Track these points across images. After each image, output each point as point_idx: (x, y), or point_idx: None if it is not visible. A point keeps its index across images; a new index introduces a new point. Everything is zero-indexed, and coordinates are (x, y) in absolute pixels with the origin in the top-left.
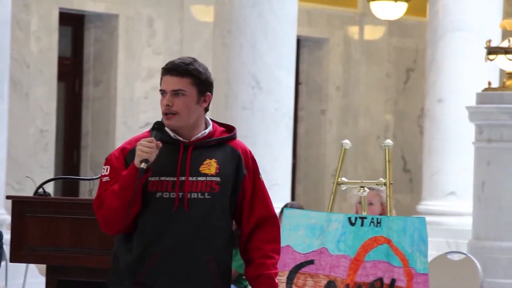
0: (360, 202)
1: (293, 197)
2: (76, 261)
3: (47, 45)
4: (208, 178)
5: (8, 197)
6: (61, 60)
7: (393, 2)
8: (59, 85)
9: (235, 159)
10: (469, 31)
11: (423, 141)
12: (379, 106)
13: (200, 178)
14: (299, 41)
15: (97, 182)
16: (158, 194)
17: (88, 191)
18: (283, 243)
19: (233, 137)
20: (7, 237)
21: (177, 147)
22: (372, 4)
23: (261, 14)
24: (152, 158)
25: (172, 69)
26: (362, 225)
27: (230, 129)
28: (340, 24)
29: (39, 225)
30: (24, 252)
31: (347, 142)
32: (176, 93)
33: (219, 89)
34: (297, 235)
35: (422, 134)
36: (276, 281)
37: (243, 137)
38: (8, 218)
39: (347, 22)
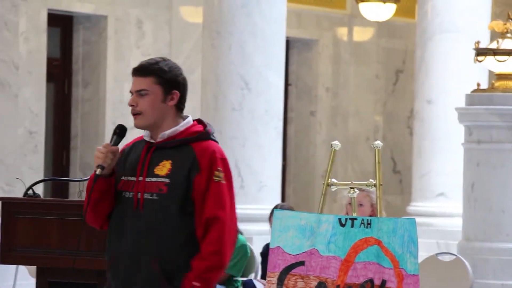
0: (350, 203)
1: (283, 199)
2: (65, 263)
3: (35, 46)
4: (159, 179)
5: None
6: (50, 61)
7: (382, 3)
8: (48, 86)
9: (189, 161)
10: (458, 33)
11: (412, 142)
12: (369, 107)
13: (152, 179)
14: (288, 42)
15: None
16: (123, 194)
17: (77, 192)
18: (273, 245)
19: (199, 138)
20: None
21: (144, 147)
22: (361, 5)
23: (249, 15)
24: (106, 163)
25: (136, 70)
26: (352, 226)
27: (204, 131)
28: (329, 25)
29: (29, 227)
30: (14, 254)
31: (336, 143)
32: (139, 93)
33: (208, 90)
34: (287, 236)
35: (412, 135)
36: (196, 284)
37: (232, 138)
38: None
39: (336, 23)
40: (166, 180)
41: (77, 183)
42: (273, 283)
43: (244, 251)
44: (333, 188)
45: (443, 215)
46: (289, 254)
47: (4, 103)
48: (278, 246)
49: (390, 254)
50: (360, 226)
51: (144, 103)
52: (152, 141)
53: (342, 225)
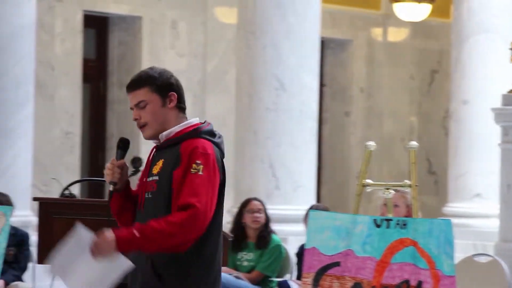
0: (385, 204)
1: (318, 199)
2: None
3: (71, 47)
4: (153, 178)
5: (34, 199)
6: (86, 62)
7: (417, 3)
8: (84, 87)
9: (174, 157)
10: (494, 33)
11: (448, 143)
12: (404, 108)
13: (149, 179)
14: (322, 43)
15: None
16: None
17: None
18: (308, 245)
19: (188, 137)
20: (33, 238)
21: (151, 150)
22: (395, 5)
23: (284, 15)
24: (116, 178)
25: (128, 86)
26: (387, 227)
27: (192, 130)
28: (364, 25)
29: (65, 227)
30: (51, 254)
31: (371, 144)
32: (139, 106)
33: (242, 90)
34: (323, 237)
35: (447, 136)
36: (136, 234)
37: (267, 139)
38: (34, 219)
39: (370, 23)
40: (156, 178)
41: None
42: (309, 284)
43: (278, 252)
44: (368, 189)
45: (480, 216)
46: (325, 255)
47: (41, 104)
48: (314, 247)
49: (426, 255)
50: (395, 227)
51: (146, 113)
52: (157, 143)
53: (378, 226)
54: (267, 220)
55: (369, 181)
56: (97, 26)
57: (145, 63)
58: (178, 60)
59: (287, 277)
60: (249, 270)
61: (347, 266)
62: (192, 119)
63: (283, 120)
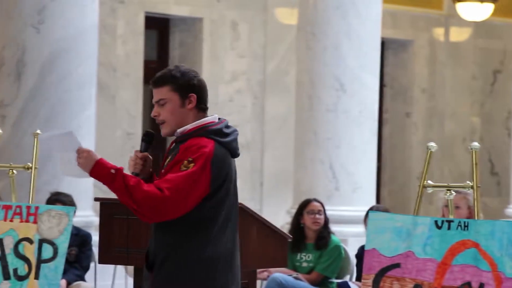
0: (446, 206)
1: (378, 200)
2: None
3: (133, 49)
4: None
5: (96, 199)
6: (147, 64)
7: (479, 3)
8: (145, 88)
9: (176, 153)
10: None
11: (511, 143)
12: (465, 109)
13: (163, 171)
14: (383, 43)
15: None
16: None
17: None
18: (368, 246)
19: (193, 135)
20: (95, 238)
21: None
22: (458, 5)
23: (344, 16)
24: (138, 169)
25: (152, 83)
26: (449, 228)
27: (198, 128)
28: (425, 25)
29: (127, 227)
30: (112, 254)
31: (433, 145)
32: (159, 103)
33: (303, 91)
34: (383, 238)
35: (510, 137)
36: (112, 171)
37: (327, 139)
38: (96, 220)
39: (432, 23)
40: (162, 171)
41: None
42: (369, 285)
43: (338, 253)
44: (429, 190)
45: None
46: (385, 256)
47: (103, 105)
48: (374, 248)
49: (488, 257)
50: (457, 229)
51: (165, 111)
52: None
53: (439, 228)
54: (326, 221)
55: (430, 182)
56: (158, 27)
57: (206, 64)
58: (238, 61)
59: (346, 278)
60: (308, 271)
61: (408, 267)
62: (209, 117)
63: (343, 121)
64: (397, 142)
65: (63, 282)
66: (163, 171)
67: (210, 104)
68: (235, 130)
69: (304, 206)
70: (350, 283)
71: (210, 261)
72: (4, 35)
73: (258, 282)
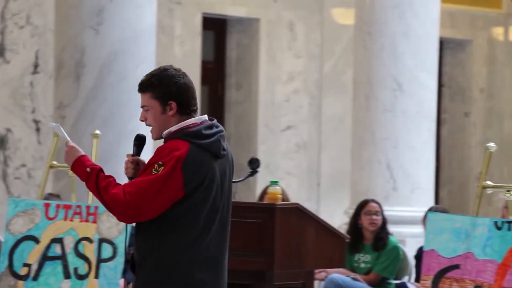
0: (506, 207)
1: (436, 201)
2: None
3: (190, 50)
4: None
5: None
6: (204, 64)
7: None
8: (202, 88)
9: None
10: None
11: None
12: None
13: None
14: (441, 43)
15: (240, 184)
16: None
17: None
18: (427, 247)
19: (169, 138)
20: None
21: None
22: None
23: (402, 16)
24: (130, 173)
25: (138, 87)
26: (509, 229)
27: (174, 131)
28: (484, 25)
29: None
30: None
31: (492, 145)
32: (143, 109)
33: (360, 91)
34: (442, 239)
35: None
36: (88, 170)
37: (385, 140)
38: None
39: (491, 23)
40: None
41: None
42: (427, 286)
43: (396, 253)
44: (489, 191)
45: None
46: (444, 257)
47: None
48: (433, 249)
49: None
50: None
51: (149, 117)
52: None
53: (499, 229)
54: (384, 221)
55: (489, 182)
56: (215, 28)
57: (263, 65)
58: (295, 61)
59: (405, 279)
60: (366, 272)
61: (467, 269)
62: (192, 118)
63: (401, 121)
64: (456, 142)
65: (122, 282)
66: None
67: (267, 104)
68: (220, 131)
69: (361, 207)
70: (408, 284)
71: (187, 265)
72: (63, 36)
73: (316, 283)
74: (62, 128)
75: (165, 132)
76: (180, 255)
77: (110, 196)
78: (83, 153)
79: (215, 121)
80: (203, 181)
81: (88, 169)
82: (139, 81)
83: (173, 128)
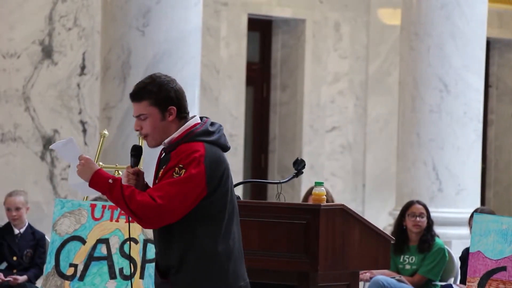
0: None
1: (482, 202)
2: (265, 264)
3: (236, 51)
4: (158, 182)
5: None
6: (249, 65)
7: None
8: (247, 89)
9: (168, 161)
10: None
11: None
12: None
13: (156, 181)
14: (488, 43)
15: (284, 185)
16: None
17: (276, 194)
18: (473, 249)
19: (182, 142)
20: None
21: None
22: None
23: (449, 16)
24: (130, 183)
25: (131, 96)
26: None
27: (184, 135)
28: None
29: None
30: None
31: None
32: (139, 118)
33: (406, 92)
34: (488, 240)
35: None
36: (110, 181)
37: (430, 141)
38: None
39: None
40: (157, 181)
41: (275, 185)
42: None
43: (442, 255)
44: None
45: None
46: (490, 259)
47: (206, 106)
48: (479, 251)
49: None
50: None
51: (147, 126)
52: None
53: None
54: (430, 223)
55: None
56: (261, 29)
57: (308, 66)
58: (341, 62)
59: (450, 281)
60: (412, 274)
61: None
62: (191, 120)
63: (447, 122)
64: (503, 144)
65: None
66: (157, 181)
67: (312, 105)
68: (220, 126)
69: (406, 208)
70: (454, 286)
71: (224, 256)
72: (109, 38)
73: (361, 284)
74: (73, 141)
75: (167, 140)
76: (216, 251)
77: (137, 204)
78: (98, 167)
79: (209, 118)
80: (222, 176)
81: (110, 181)
82: (134, 90)
83: (176, 135)
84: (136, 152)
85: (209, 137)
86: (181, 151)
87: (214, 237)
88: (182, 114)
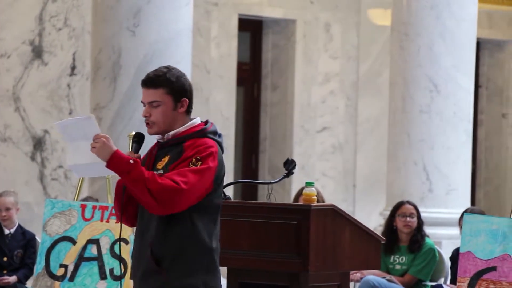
0: None
1: (473, 203)
2: (256, 264)
3: (226, 51)
4: (158, 172)
5: None
6: (240, 66)
7: None
8: (238, 90)
9: (179, 152)
10: None
11: None
12: None
13: (154, 173)
14: (478, 44)
15: (275, 185)
16: None
17: (266, 195)
18: (463, 249)
19: (193, 136)
20: None
21: (152, 146)
22: None
23: (439, 16)
24: None
25: (146, 82)
26: None
27: (199, 130)
28: None
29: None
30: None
31: None
32: (152, 104)
33: (396, 92)
34: (478, 241)
35: None
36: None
37: (420, 141)
38: None
39: None
40: (161, 171)
41: (266, 185)
42: None
43: (432, 255)
44: None
45: None
46: (480, 259)
47: (196, 107)
48: (469, 251)
49: None
50: None
51: (157, 113)
52: (160, 140)
53: None
54: (420, 223)
55: None
56: (251, 29)
57: (299, 66)
58: (331, 63)
59: (440, 281)
60: (402, 274)
61: (504, 271)
62: (196, 118)
63: (437, 122)
64: (493, 144)
65: None
66: (160, 170)
67: (303, 105)
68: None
69: (396, 209)
70: (444, 286)
71: (216, 253)
72: (100, 38)
73: (351, 284)
74: (94, 119)
75: (171, 133)
76: (212, 247)
77: (159, 185)
78: (115, 148)
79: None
80: (223, 177)
81: (131, 161)
82: (150, 77)
83: (182, 129)
84: (139, 139)
85: (218, 137)
86: (198, 144)
87: (210, 234)
88: (190, 109)
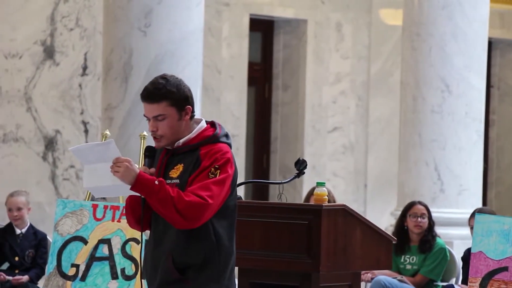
0: None
1: (484, 203)
2: (267, 264)
3: (237, 51)
4: (172, 181)
5: None
6: (251, 66)
7: None
8: (249, 90)
9: (194, 161)
10: None
11: None
12: None
13: (167, 181)
14: (490, 44)
15: (286, 185)
16: None
17: (278, 194)
18: (475, 249)
19: (207, 142)
20: None
21: (162, 154)
22: None
23: (451, 16)
24: None
25: (147, 97)
26: None
27: (211, 135)
28: None
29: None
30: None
31: None
32: (157, 118)
33: (407, 92)
34: (490, 241)
35: None
36: (156, 183)
37: (432, 141)
38: None
39: None
40: (177, 181)
41: (277, 185)
42: None
43: (443, 255)
44: None
45: None
46: (492, 259)
47: (208, 107)
48: (480, 251)
49: None
50: None
51: (164, 126)
52: (169, 148)
53: None
54: (431, 224)
55: None
56: (262, 29)
57: (310, 66)
58: (342, 63)
59: (452, 281)
60: (413, 274)
61: None
62: (201, 123)
63: (449, 123)
64: (505, 144)
65: None
66: (175, 179)
67: (314, 105)
68: None
69: (408, 209)
70: (456, 286)
71: (235, 256)
72: (111, 38)
73: (362, 284)
74: (113, 143)
75: (182, 141)
76: (232, 251)
77: (186, 203)
78: (138, 170)
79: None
80: (237, 179)
81: (156, 182)
82: (150, 92)
83: (192, 135)
84: (150, 153)
85: (229, 140)
86: (214, 152)
87: (230, 239)
88: (193, 113)
